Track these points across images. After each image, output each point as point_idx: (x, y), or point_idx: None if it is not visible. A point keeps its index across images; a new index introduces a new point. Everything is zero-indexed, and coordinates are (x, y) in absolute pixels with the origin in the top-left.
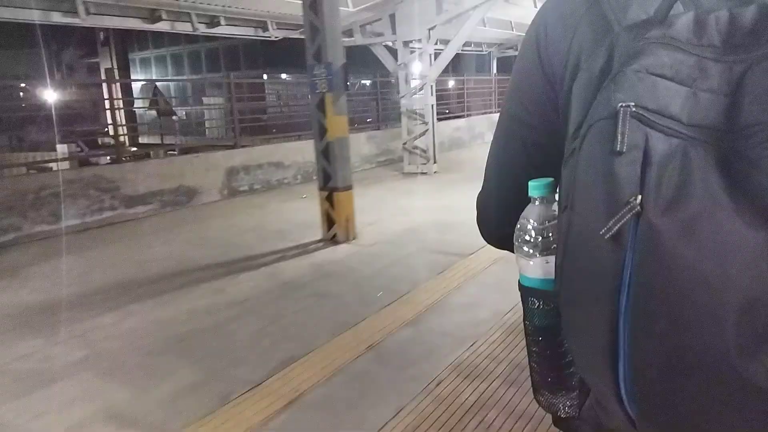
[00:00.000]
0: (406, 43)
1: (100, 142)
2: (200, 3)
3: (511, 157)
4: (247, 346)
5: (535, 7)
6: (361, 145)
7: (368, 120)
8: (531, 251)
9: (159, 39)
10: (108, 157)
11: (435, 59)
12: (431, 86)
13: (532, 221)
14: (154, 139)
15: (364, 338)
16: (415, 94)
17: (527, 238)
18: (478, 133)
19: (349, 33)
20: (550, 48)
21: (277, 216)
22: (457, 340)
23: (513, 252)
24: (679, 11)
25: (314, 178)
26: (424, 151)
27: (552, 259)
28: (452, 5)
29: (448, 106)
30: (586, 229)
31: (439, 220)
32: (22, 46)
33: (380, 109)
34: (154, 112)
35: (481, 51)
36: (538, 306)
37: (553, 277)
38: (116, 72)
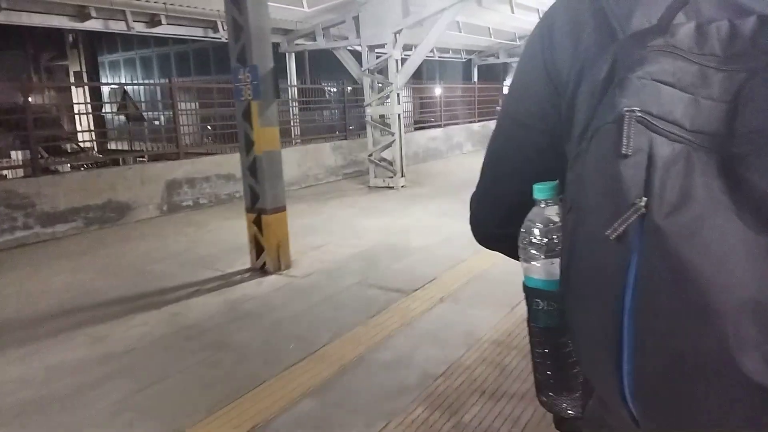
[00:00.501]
0: (371, 48)
1: (66, 149)
2: (136, 0)
3: (509, 157)
4: (97, 425)
5: (512, 12)
6: (326, 155)
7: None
8: (536, 253)
9: (128, 41)
10: (69, 165)
11: (402, 65)
12: (397, 94)
13: (537, 224)
14: (124, 146)
15: (249, 416)
16: (382, 102)
17: (533, 240)
18: (456, 144)
19: (311, 36)
20: (556, 52)
21: (212, 237)
22: (368, 419)
23: (503, 253)
24: (682, 21)
25: None
26: (391, 164)
27: (557, 260)
28: (419, 7)
29: (433, 115)
30: (592, 230)
31: (393, 244)
32: None
33: (347, 117)
34: (123, 117)
35: (460, 58)
36: (543, 307)
37: (557, 278)
38: (84, 75)
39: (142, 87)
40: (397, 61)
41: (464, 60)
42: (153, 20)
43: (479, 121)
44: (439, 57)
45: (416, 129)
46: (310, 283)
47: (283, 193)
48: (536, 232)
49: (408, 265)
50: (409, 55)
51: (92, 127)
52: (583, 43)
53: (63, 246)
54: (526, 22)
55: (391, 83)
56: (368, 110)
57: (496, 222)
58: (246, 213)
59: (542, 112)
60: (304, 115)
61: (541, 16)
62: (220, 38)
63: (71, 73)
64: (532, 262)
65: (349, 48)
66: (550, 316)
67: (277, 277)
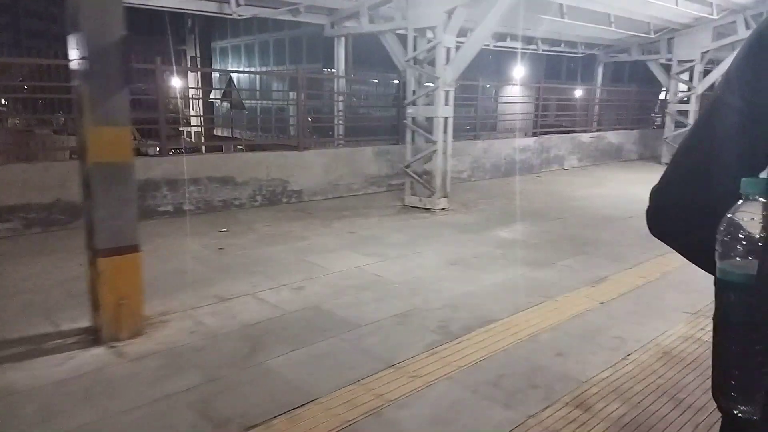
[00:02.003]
0: (420, 31)
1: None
2: None
3: (719, 145)
4: None
5: None
6: (365, 162)
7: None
8: (736, 246)
9: (236, 28)
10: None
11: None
12: (445, 91)
13: (742, 217)
14: (227, 134)
15: None
16: (431, 102)
17: (735, 233)
18: (554, 157)
19: (356, 17)
20: None
21: None
22: None
23: (683, 249)
24: None
25: (283, 200)
26: (428, 179)
27: (755, 256)
28: None
29: (522, 120)
30: None
31: (329, 311)
32: None
33: (399, 118)
34: (227, 104)
35: (575, 53)
36: (734, 301)
37: (754, 272)
38: (198, 61)
39: (245, 75)
40: (448, 49)
41: (582, 55)
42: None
43: (597, 131)
44: (543, 51)
45: (500, 137)
46: (133, 373)
47: (133, 226)
48: (741, 225)
49: (310, 366)
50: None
51: (201, 113)
52: None
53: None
54: (665, 9)
55: (438, 77)
56: (410, 110)
57: (687, 213)
58: (86, 250)
59: (766, 102)
60: (350, 113)
61: None
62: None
63: (188, 58)
64: (731, 255)
65: (398, 32)
66: (742, 310)
67: (103, 351)
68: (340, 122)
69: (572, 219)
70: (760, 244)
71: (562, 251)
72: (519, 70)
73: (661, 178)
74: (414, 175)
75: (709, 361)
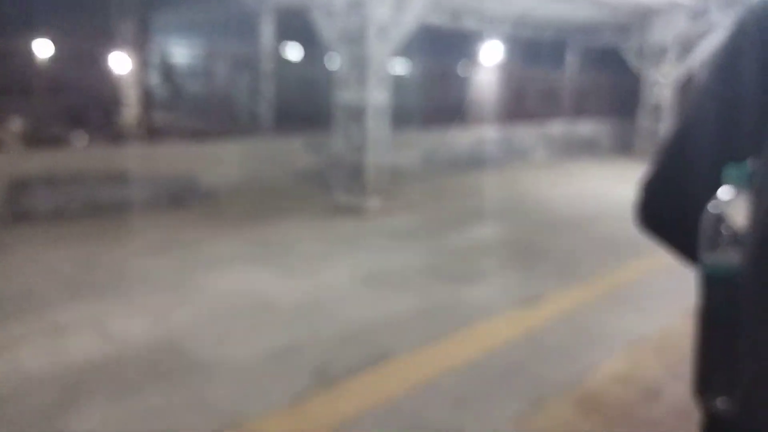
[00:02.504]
0: (352, 4)
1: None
2: None
3: (702, 134)
4: None
5: None
6: (296, 154)
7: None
8: (720, 237)
9: (173, 3)
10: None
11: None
12: (378, 73)
13: (725, 207)
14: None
15: None
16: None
17: (719, 223)
18: (520, 150)
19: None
20: None
21: None
22: None
23: (670, 242)
24: None
25: (192, 200)
26: (359, 176)
27: (739, 246)
28: None
29: (485, 108)
30: None
31: (184, 348)
32: None
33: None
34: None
35: (543, 37)
36: (718, 292)
37: (737, 263)
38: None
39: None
40: (381, 23)
41: (550, 39)
42: None
43: (568, 122)
44: (509, 33)
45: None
46: None
47: None
48: (726, 215)
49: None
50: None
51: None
52: None
53: None
54: None
55: (369, 57)
56: (339, 95)
57: (672, 203)
58: None
59: (748, 89)
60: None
61: None
62: None
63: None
64: (715, 245)
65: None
66: (725, 303)
67: None
68: (266, 108)
69: (528, 221)
70: (742, 234)
71: (504, 262)
72: (487, 54)
73: (648, 169)
74: (344, 171)
75: (647, 411)
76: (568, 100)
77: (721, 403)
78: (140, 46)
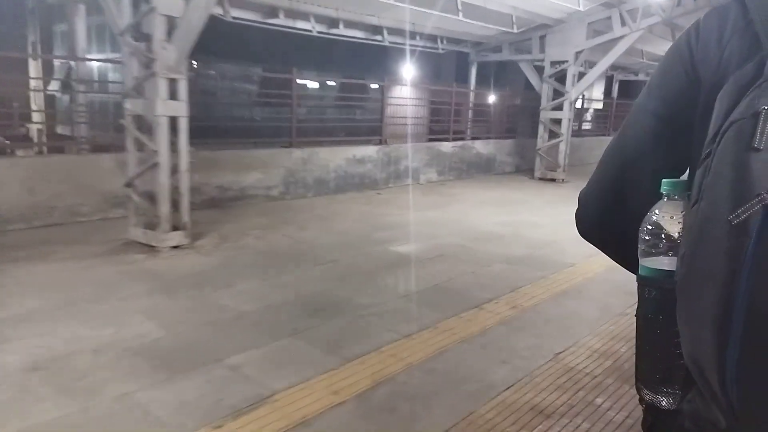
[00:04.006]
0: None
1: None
2: None
3: (639, 148)
4: None
5: None
6: (104, 175)
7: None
8: (657, 244)
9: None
10: None
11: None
12: (169, 79)
13: (663, 216)
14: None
15: None
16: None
17: (656, 231)
18: (404, 170)
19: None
20: (702, 53)
21: None
22: None
23: (606, 248)
24: None
25: None
26: (151, 204)
27: (675, 253)
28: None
29: (363, 123)
30: (713, 216)
31: None
32: None
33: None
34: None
35: (436, 48)
36: (655, 295)
37: (673, 268)
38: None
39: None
40: (170, 17)
41: (443, 52)
42: None
43: (460, 139)
44: (390, 43)
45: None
46: None
47: None
48: (660, 224)
49: None
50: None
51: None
52: (730, 48)
53: None
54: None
55: (154, 58)
56: (128, 105)
57: (611, 213)
58: None
59: (680, 105)
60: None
61: None
62: None
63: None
64: (653, 252)
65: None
66: (661, 305)
67: None
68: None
69: (348, 262)
70: (678, 241)
71: (264, 330)
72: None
73: (589, 180)
74: (137, 198)
75: None
76: (469, 116)
77: (665, 399)
78: None
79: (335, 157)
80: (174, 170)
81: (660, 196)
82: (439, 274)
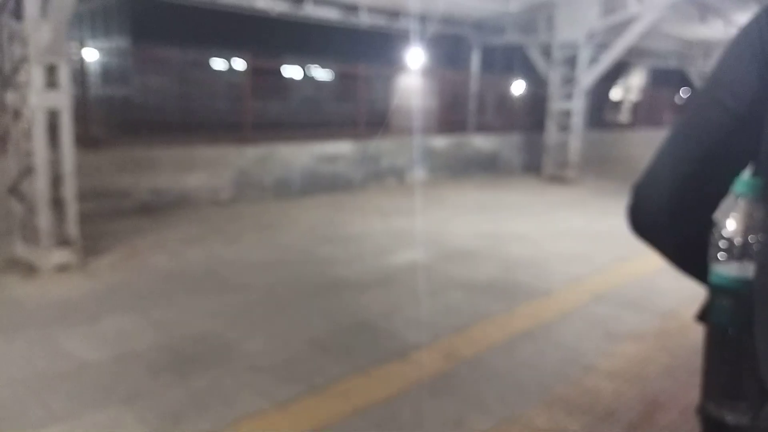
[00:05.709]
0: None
1: None
2: None
3: (714, 143)
4: None
5: None
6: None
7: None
8: (731, 249)
9: None
10: None
11: None
12: (45, 65)
13: (737, 218)
14: None
15: None
16: None
17: (731, 235)
18: (388, 169)
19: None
20: None
21: None
22: None
23: (663, 248)
24: None
25: None
26: (28, 215)
27: (749, 258)
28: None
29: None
30: None
31: None
32: None
33: None
34: None
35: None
36: (728, 306)
37: (747, 275)
38: None
39: None
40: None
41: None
42: None
43: (451, 133)
44: (372, 25)
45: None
46: None
47: None
48: (738, 227)
49: None
50: None
51: None
52: None
53: None
54: None
55: (28, 36)
56: (10, 96)
57: (680, 211)
58: None
59: (751, 99)
60: None
61: None
62: None
63: None
64: (727, 257)
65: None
66: (735, 314)
67: None
68: None
69: (263, 289)
70: (755, 247)
71: (95, 391)
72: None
73: (644, 173)
74: (18, 207)
75: None
76: (470, 107)
77: (731, 415)
78: None
79: (301, 155)
80: (57, 175)
81: (729, 195)
82: (375, 305)
